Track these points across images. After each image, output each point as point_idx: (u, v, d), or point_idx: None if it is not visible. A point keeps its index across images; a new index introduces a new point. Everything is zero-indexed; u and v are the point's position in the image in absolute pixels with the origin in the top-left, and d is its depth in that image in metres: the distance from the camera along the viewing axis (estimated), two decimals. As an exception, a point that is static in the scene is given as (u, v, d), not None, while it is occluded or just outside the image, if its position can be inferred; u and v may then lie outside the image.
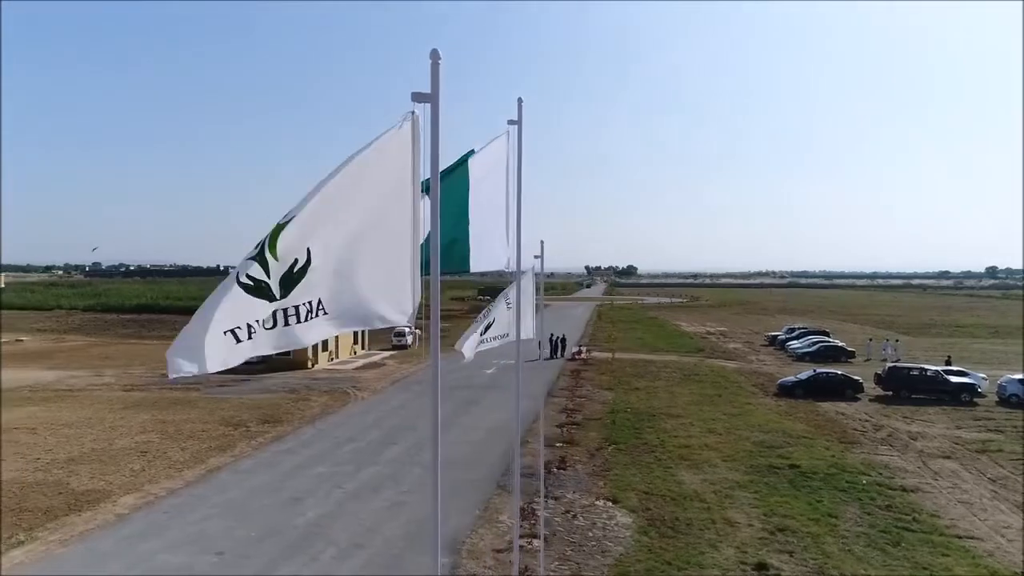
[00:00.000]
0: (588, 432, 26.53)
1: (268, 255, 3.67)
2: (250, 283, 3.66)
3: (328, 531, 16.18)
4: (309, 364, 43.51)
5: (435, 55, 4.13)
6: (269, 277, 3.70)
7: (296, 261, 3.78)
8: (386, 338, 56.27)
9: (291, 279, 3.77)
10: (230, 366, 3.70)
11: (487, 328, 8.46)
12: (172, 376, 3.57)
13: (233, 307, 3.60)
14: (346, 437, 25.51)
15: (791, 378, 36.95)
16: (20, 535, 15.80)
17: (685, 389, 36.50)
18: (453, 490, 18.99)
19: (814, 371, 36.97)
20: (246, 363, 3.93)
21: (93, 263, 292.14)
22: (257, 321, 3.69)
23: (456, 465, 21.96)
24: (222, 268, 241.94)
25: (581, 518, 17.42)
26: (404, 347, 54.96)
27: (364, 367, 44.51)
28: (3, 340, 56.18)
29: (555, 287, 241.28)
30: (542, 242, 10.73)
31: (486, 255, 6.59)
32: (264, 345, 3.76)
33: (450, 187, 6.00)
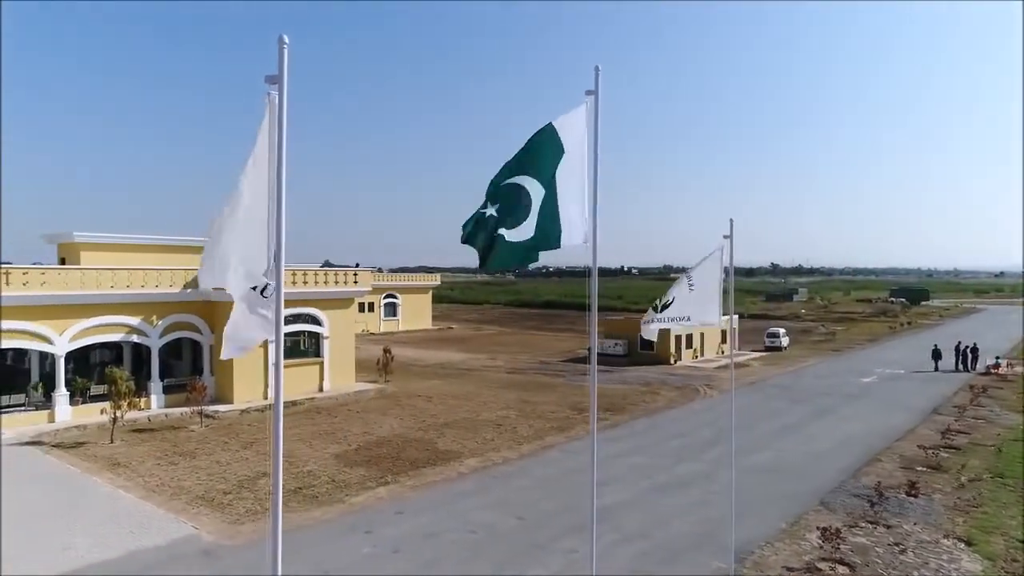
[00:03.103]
0: (966, 458, 21.78)
1: None
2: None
3: (620, 517, 16.54)
4: (671, 360, 44.10)
5: (281, 41, 4.44)
6: None
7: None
8: (759, 339, 53.93)
9: None
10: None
11: (664, 307, 7.99)
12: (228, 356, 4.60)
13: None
14: (676, 432, 25.46)
15: None
16: (388, 477, 19.71)
17: None
18: (763, 498, 17.69)
19: None
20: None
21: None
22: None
23: (780, 473, 20.35)
24: (626, 268, 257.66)
25: (911, 554, 14.59)
26: (778, 349, 51.90)
27: (726, 366, 43.31)
28: (439, 327, 69.58)
29: (1002, 288, 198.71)
30: (731, 220, 9.42)
31: (571, 231, 6.33)
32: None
33: (542, 164, 5.98)
